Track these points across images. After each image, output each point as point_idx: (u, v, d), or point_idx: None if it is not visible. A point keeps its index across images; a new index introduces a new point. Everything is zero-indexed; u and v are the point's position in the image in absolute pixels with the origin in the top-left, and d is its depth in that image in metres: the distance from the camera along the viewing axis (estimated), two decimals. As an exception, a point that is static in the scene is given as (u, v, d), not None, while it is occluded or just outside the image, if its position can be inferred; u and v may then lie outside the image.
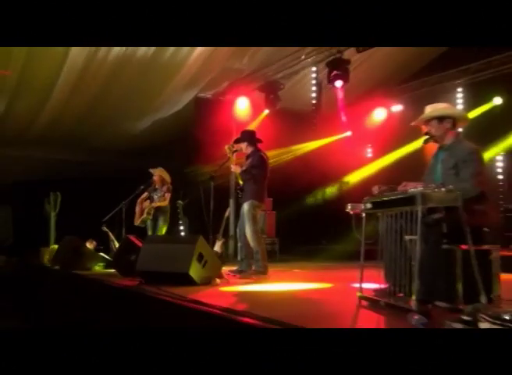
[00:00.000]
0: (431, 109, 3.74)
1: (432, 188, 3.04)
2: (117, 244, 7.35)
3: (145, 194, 7.68)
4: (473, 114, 8.91)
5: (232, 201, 10.06)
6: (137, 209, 7.61)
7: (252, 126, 9.49)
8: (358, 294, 3.63)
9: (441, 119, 3.68)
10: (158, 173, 7.64)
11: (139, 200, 7.65)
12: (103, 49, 7.90)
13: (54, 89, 8.57)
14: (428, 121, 3.72)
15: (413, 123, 3.87)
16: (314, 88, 9.89)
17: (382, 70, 10.64)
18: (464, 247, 3.32)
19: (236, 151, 6.19)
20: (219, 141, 8.54)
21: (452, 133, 3.70)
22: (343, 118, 10.02)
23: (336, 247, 10.23)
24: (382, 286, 3.52)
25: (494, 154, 9.42)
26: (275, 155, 10.30)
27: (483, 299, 3.10)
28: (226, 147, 6.08)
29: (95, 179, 10.61)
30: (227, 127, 9.76)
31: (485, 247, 3.48)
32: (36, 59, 7.73)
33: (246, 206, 5.93)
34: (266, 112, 10.27)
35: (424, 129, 3.80)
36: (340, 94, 9.58)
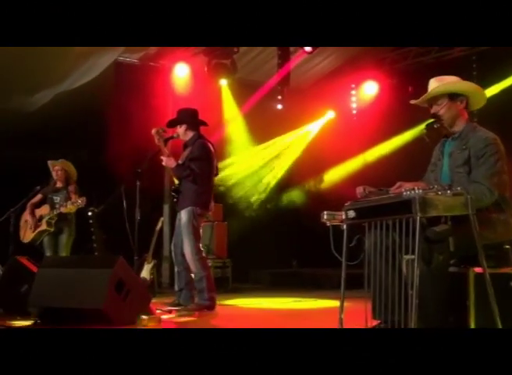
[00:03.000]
0: (438, 83, 3.82)
1: (434, 191, 3.11)
2: (1, 270, 7.19)
3: (38, 197, 7.51)
4: (491, 92, 9.08)
5: (166, 208, 10.01)
6: (25, 219, 7.42)
7: (195, 105, 9.47)
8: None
9: (453, 96, 3.77)
10: (61, 167, 7.50)
11: (28, 205, 7.47)
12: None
13: None
14: (434, 99, 3.81)
15: (414, 102, 3.94)
16: (279, 52, 9.93)
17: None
18: (477, 269, 3.42)
19: (170, 138, 6.18)
20: (148, 123, 8.46)
21: (465, 117, 3.81)
22: None
23: (310, 270, 10.34)
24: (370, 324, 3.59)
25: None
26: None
27: (502, 339, 3.20)
28: (154, 131, 6.05)
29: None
30: (160, 104, 9.71)
31: (506, 269, 3.61)
32: None
33: (184, 215, 5.93)
34: (224, 83, 10.32)
35: (431, 110, 3.89)
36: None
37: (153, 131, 6.05)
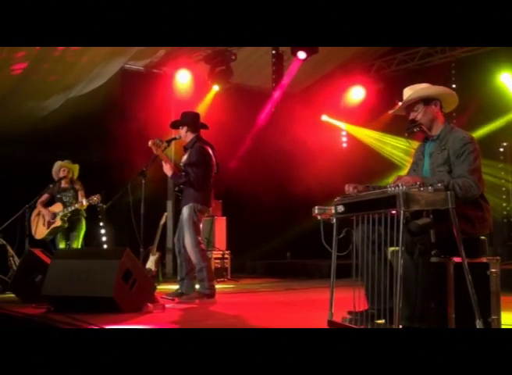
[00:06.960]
0: (411, 91, 3.84)
1: (417, 186, 3.13)
2: (17, 261, 7.19)
3: (45, 197, 7.53)
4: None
5: (170, 204, 10.00)
6: (39, 212, 7.42)
7: (197, 108, 9.46)
8: (328, 319, 3.69)
9: (427, 101, 3.79)
10: (68, 168, 7.52)
11: (38, 204, 7.47)
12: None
13: None
14: (411, 107, 3.82)
15: (392, 112, 3.97)
16: (274, 60, 9.93)
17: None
18: (456, 259, 3.44)
19: (173, 139, 6.20)
20: (153, 126, 8.48)
21: (441, 119, 3.82)
22: None
23: (302, 261, 10.35)
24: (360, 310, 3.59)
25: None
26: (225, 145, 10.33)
27: (479, 324, 3.21)
28: (151, 143, 5.88)
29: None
30: (163, 108, 9.70)
31: (483, 259, 3.62)
32: None
33: (186, 211, 5.93)
34: (216, 88, 10.29)
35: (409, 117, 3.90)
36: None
37: (149, 143, 5.89)
